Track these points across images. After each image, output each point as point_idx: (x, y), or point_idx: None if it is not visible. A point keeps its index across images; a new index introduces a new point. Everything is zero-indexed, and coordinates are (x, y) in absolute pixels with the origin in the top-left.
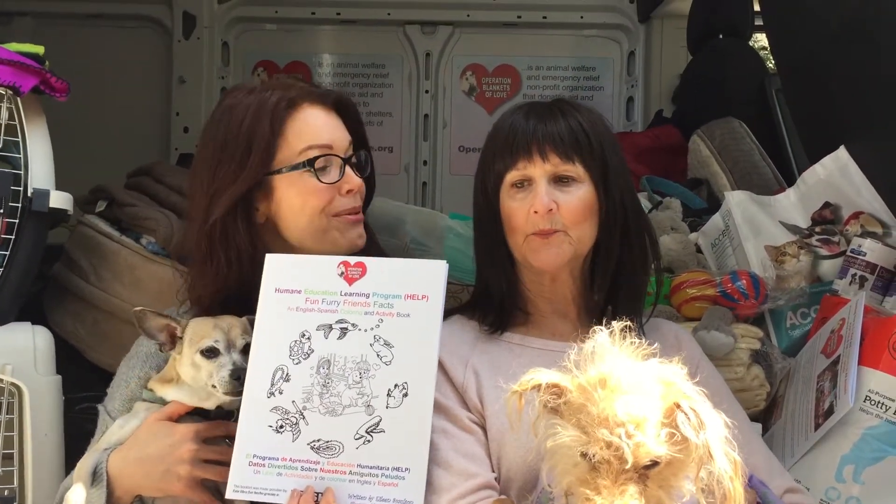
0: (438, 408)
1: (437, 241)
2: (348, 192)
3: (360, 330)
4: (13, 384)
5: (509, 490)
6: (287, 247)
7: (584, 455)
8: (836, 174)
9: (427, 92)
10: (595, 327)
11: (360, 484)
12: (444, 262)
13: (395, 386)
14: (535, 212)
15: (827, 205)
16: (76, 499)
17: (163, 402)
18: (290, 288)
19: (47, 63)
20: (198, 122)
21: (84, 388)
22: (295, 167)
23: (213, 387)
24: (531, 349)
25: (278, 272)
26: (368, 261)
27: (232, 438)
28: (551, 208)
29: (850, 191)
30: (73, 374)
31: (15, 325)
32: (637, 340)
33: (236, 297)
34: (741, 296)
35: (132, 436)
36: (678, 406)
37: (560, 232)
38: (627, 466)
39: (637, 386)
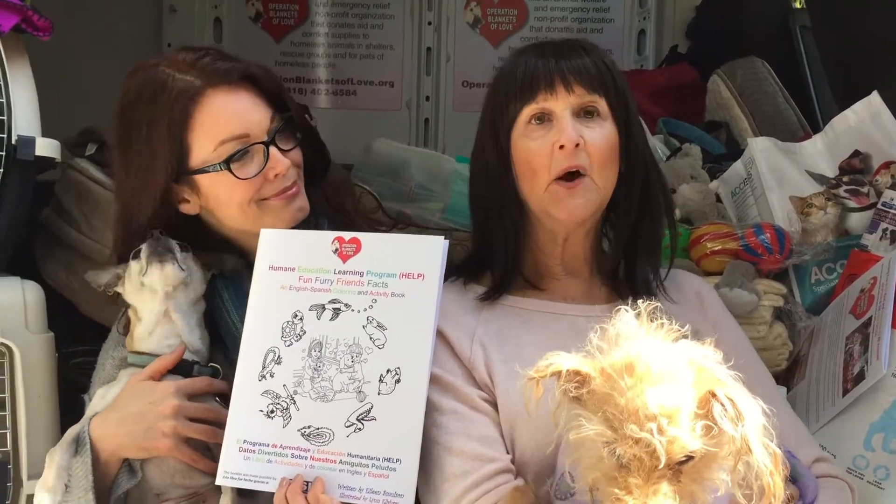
0: (447, 387)
1: (442, 186)
2: (276, 176)
3: (353, 311)
4: (3, 344)
5: (525, 474)
6: (227, 228)
7: (611, 451)
8: (868, 121)
9: (430, 24)
10: (619, 307)
11: (350, 474)
12: (443, 238)
13: (388, 371)
14: (561, 146)
15: (856, 153)
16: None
17: (148, 360)
18: (284, 265)
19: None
20: None
21: (79, 341)
22: (212, 168)
23: (143, 281)
24: (542, 314)
25: (272, 248)
26: (363, 237)
27: (217, 395)
28: (578, 142)
29: (882, 139)
30: (68, 327)
31: (3, 281)
32: (665, 321)
33: None
34: (765, 250)
35: (113, 400)
36: (713, 395)
37: (586, 178)
38: (661, 466)
39: (667, 372)
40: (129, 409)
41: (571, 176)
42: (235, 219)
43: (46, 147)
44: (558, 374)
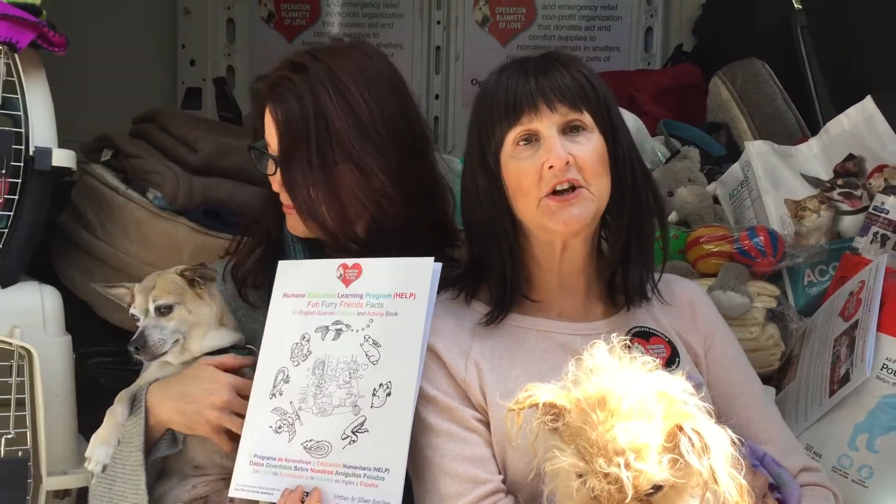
0: (442, 409)
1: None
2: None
3: (352, 330)
4: (22, 347)
5: (518, 493)
6: None
7: (583, 483)
8: (861, 125)
9: (439, 23)
10: (594, 342)
11: (344, 484)
12: (432, 259)
13: (380, 385)
14: (551, 166)
15: (850, 157)
16: (100, 455)
17: None
18: (296, 292)
19: (44, 13)
20: (204, 54)
21: (96, 342)
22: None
23: None
24: (536, 332)
25: (286, 278)
26: (364, 262)
27: None
28: (568, 160)
29: (875, 143)
30: (85, 329)
31: (22, 286)
32: (637, 355)
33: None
34: (758, 253)
35: (178, 373)
36: (680, 429)
37: (581, 189)
38: (627, 501)
39: (638, 406)
40: (185, 388)
41: (562, 192)
42: None
43: (63, 157)
44: (536, 405)
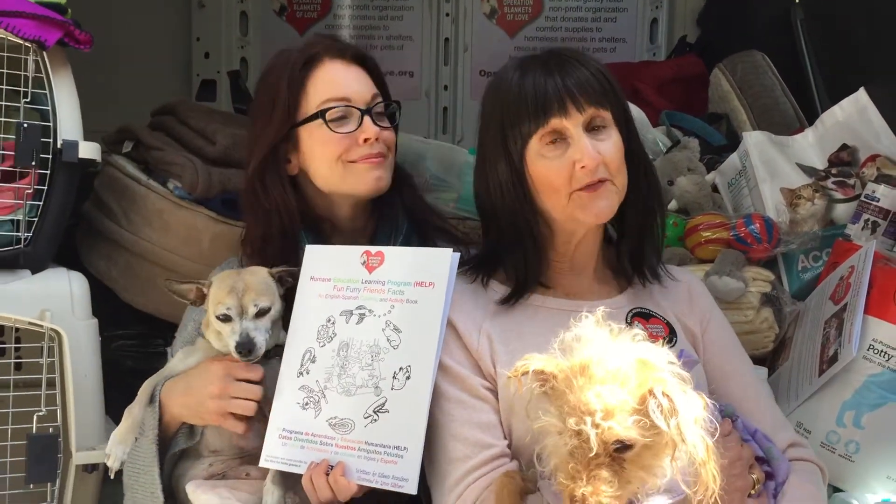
0: (454, 377)
1: (456, 177)
2: (365, 140)
3: (375, 315)
4: (53, 329)
5: (521, 457)
6: (319, 193)
7: (560, 440)
8: (855, 116)
9: (447, 15)
10: (582, 314)
11: (366, 460)
12: (451, 250)
13: (400, 369)
14: (583, 166)
15: (844, 147)
16: (118, 453)
17: None
18: (322, 276)
19: (69, 12)
20: (218, 46)
21: (120, 326)
22: (311, 118)
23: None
24: (546, 309)
25: (313, 262)
26: (387, 250)
27: (260, 383)
28: (598, 160)
29: (868, 134)
30: (109, 313)
31: (51, 272)
32: (625, 327)
33: (281, 245)
34: (754, 240)
35: (186, 370)
36: (651, 393)
37: (607, 181)
38: (591, 455)
39: (615, 373)
40: (190, 383)
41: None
42: (324, 176)
43: (89, 150)
44: (528, 372)
